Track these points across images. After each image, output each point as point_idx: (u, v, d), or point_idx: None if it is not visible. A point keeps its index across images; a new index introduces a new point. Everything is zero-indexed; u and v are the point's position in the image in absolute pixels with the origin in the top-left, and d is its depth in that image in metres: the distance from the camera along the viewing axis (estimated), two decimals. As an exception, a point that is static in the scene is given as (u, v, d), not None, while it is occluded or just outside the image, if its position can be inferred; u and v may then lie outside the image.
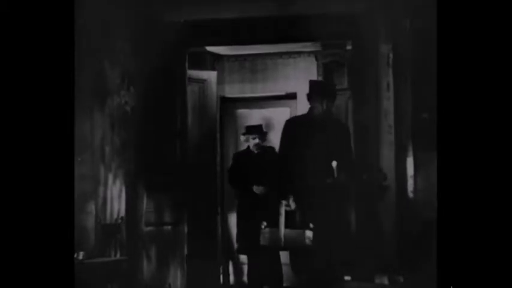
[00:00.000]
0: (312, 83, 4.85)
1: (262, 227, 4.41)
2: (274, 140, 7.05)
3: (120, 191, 4.64)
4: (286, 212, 4.40)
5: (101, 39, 4.53)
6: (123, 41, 4.73)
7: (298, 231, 4.29)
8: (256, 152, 5.98)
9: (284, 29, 5.07)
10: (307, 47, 6.52)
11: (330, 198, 4.36)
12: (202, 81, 6.06)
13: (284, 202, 4.41)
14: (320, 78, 6.32)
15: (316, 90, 4.67)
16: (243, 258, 6.90)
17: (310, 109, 4.67)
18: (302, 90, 6.70)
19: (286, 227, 4.37)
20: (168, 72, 5.12)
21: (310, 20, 4.81)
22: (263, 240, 4.43)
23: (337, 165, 4.29)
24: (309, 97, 4.68)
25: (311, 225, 4.24)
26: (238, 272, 6.92)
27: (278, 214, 4.40)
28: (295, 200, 4.40)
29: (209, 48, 6.52)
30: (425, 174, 4.37)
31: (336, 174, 4.26)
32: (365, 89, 4.76)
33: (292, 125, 4.74)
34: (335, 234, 4.35)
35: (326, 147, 4.42)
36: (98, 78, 4.52)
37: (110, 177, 4.54)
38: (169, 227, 5.11)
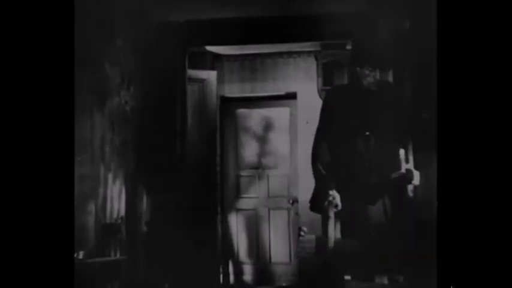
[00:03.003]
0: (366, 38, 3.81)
1: (302, 234, 3.48)
2: (274, 140, 7.08)
3: (120, 190, 4.64)
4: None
5: (101, 39, 4.53)
6: (123, 41, 4.73)
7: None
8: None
9: (284, 29, 5.07)
10: (307, 47, 6.52)
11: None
12: (202, 81, 6.06)
13: (330, 194, 3.30)
14: (320, 78, 6.33)
15: (373, 52, 3.53)
16: (243, 258, 6.91)
17: (357, 78, 3.50)
18: (302, 89, 6.74)
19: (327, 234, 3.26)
20: (168, 72, 5.12)
21: (310, 20, 4.81)
22: (302, 251, 3.46)
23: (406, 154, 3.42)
24: (359, 62, 3.47)
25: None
26: (238, 271, 6.93)
27: (326, 216, 3.26)
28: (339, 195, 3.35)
29: (209, 48, 6.53)
30: (425, 174, 4.37)
31: (403, 167, 3.41)
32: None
33: (339, 95, 3.59)
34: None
35: (389, 130, 3.57)
36: (98, 78, 4.52)
37: (110, 177, 4.54)
38: (168, 227, 5.11)
